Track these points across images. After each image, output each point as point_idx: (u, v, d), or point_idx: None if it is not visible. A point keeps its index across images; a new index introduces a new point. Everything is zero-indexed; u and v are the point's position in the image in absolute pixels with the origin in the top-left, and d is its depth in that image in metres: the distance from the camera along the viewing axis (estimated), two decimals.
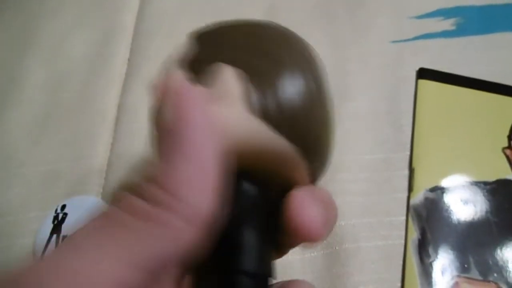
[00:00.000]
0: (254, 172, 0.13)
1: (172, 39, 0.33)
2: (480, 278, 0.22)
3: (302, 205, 0.13)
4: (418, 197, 0.25)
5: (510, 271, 0.22)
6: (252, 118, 0.12)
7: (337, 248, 0.23)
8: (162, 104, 0.12)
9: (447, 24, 0.33)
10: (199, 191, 0.11)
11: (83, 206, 0.25)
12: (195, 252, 0.11)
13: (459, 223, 0.24)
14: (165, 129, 0.11)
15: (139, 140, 0.27)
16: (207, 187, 0.11)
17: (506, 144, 0.26)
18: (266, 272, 0.13)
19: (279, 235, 0.14)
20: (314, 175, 0.15)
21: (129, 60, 0.32)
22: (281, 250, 0.15)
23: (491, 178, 0.25)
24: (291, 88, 0.13)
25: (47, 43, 0.33)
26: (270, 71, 0.13)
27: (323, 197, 0.14)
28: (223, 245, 0.13)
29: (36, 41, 0.33)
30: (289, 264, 0.23)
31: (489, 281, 0.22)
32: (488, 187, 0.25)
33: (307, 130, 0.14)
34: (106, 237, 0.10)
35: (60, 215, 0.24)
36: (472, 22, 0.33)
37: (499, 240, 0.23)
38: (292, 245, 0.15)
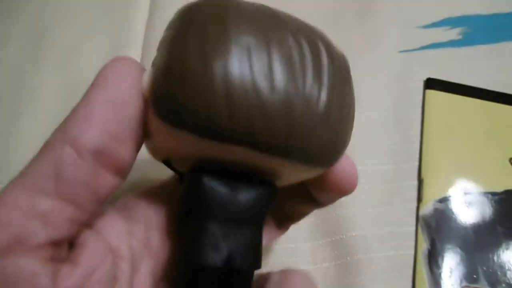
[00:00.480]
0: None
1: None
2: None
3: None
4: (427, 207, 0.25)
5: None
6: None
7: (348, 259, 0.24)
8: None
9: (454, 34, 0.33)
10: (77, 119, 0.13)
11: None
12: (93, 182, 0.13)
13: (467, 233, 0.24)
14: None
15: None
16: (85, 118, 0.13)
17: None
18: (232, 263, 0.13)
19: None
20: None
21: None
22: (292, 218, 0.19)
23: (499, 188, 0.26)
24: None
25: (60, 53, 0.33)
26: None
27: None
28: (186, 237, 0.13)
29: (50, 51, 0.33)
30: None
31: None
32: (496, 197, 0.26)
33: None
34: (16, 178, 0.13)
35: None
36: (479, 31, 0.33)
37: (507, 250, 0.24)
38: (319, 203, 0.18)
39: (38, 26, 0.35)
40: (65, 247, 0.13)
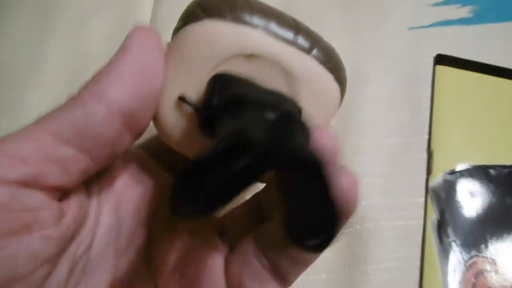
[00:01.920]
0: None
1: None
2: (498, 257, 0.23)
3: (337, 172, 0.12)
4: (437, 179, 0.25)
5: None
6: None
7: (358, 227, 0.24)
8: None
9: (464, 12, 0.33)
10: (111, 78, 0.13)
11: None
12: (113, 140, 0.13)
13: (477, 205, 0.24)
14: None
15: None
16: (119, 78, 0.13)
17: None
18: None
19: None
20: None
21: None
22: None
23: (508, 161, 0.26)
24: None
25: (67, 25, 0.33)
26: None
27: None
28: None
29: (57, 23, 0.33)
30: None
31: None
32: (505, 170, 0.25)
33: None
34: (37, 122, 0.13)
35: None
36: (489, 10, 0.33)
37: None
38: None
39: None
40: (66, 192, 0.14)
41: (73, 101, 0.13)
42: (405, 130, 0.28)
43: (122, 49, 0.14)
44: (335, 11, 0.33)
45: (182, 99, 0.14)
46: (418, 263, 0.23)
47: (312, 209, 0.10)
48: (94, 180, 0.15)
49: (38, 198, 0.12)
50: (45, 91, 0.30)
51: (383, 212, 0.24)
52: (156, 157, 0.18)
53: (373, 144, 0.27)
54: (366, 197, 0.25)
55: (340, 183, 0.12)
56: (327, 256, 0.23)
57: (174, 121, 0.15)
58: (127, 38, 0.14)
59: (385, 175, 0.26)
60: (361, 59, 0.31)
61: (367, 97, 0.29)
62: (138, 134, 0.14)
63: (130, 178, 0.16)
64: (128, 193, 0.16)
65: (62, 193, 0.13)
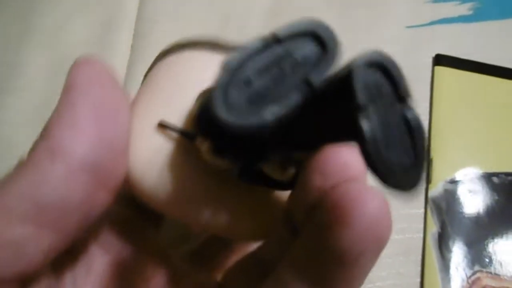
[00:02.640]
0: None
1: (177, 24, 0.31)
2: (502, 272, 0.22)
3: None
4: (436, 189, 0.24)
5: None
6: None
7: None
8: None
9: (464, 9, 0.32)
10: (66, 128, 0.10)
11: None
12: (82, 204, 0.11)
13: (479, 215, 0.23)
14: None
15: None
16: (75, 126, 0.10)
17: None
18: None
19: None
20: None
21: (132, 46, 0.31)
22: None
23: None
24: None
25: (46, 27, 0.32)
26: None
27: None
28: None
29: (36, 27, 0.32)
30: None
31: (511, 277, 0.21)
32: (509, 178, 0.24)
33: None
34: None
35: None
36: (489, 7, 0.32)
37: None
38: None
39: (25, 1, 0.33)
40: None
41: (24, 166, 0.11)
42: None
43: (68, 90, 0.11)
44: (332, 10, 0.31)
45: (162, 125, 0.12)
46: (418, 280, 0.22)
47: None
48: (64, 255, 0.12)
49: None
50: (24, 97, 0.29)
51: None
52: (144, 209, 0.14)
53: None
54: None
55: (370, 207, 0.09)
56: None
57: (154, 162, 0.12)
58: (71, 75, 0.11)
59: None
60: None
61: None
62: (115, 188, 0.11)
63: (112, 245, 0.13)
64: (109, 266, 0.13)
65: (22, 282, 0.11)
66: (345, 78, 0.08)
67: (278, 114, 0.08)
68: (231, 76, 0.08)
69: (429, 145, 0.25)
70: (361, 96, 0.08)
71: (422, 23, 0.31)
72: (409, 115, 0.08)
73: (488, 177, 0.24)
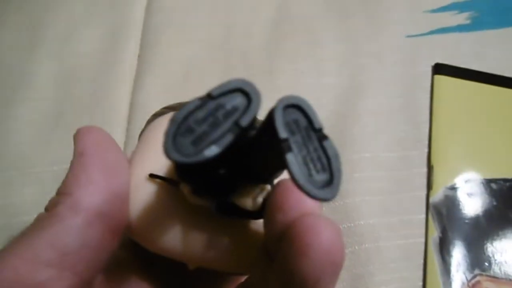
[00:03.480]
0: None
1: (183, 34, 0.32)
2: (501, 276, 0.22)
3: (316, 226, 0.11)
4: (437, 195, 0.25)
5: None
6: None
7: (356, 247, 0.23)
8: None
9: (462, 18, 0.32)
10: (82, 186, 0.13)
11: None
12: (97, 248, 0.13)
13: (479, 220, 0.24)
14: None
15: None
16: (93, 185, 0.13)
17: None
18: None
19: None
20: None
21: (139, 56, 0.32)
22: None
23: (510, 175, 0.25)
24: None
25: (55, 38, 0.32)
26: None
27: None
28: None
29: (45, 37, 0.32)
30: None
31: (510, 279, 0.22)
32: (507, 184, 0.25)
33: None
34: (13, 244, 0.12)
35: None
36: (487, 16, 0.32)
37: None
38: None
39: (34, 11, 0.34)
40: None
41: (48, 219, 0.12)
42: (404, 144, 0.27)
43: (80, 155, 0.14)
44: (331, 20, 0.32)
45: (153, 176, 0.14)
46: (420, 284, 0.23)
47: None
48: None
49: None
50: (33, 107, 0.30)
51: (383, 231, 0.24)
52: (140, 255, 0.17)
53: (371, 159, 0.26)
54: (364, 216, 0.24)
55: (323, 237, 0.11)
56: None
57: (147, 206, 0.14)
58: (81, 142, 0.14)
59: (384, 192, 0.25)
60: (359, 69, 0.30)
61: (365, 109, 0.28)
62: (120, 234, 0.14)
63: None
64: None
65: None
66: (269, 119, 0.10)
67: (217, 151, 0.10)
68: (177, 127, 0.10)
69: (429, 153, 0.26)
70: (282, 131, 0.10)
71: (421, 32, 0.31)
72: (325, 142, 0.11)
73: (487, 183, 0.25)
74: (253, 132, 0.11)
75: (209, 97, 0.11)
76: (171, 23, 0.33)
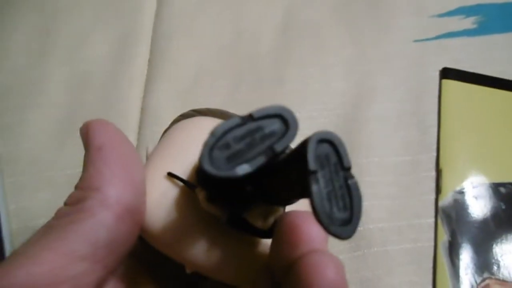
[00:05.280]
0: None
1: (192, 40, 0.33)
2: (510, 279, 0.23)
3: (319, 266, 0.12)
4: (447, 198, 0.25)
5: None
6: None
7: (365, 251, 0.24)
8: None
9: (468, 23, 0.33)
10: (108, 181, 0.13)
11: None
12: (124, 241, 0.13)
13: (488, 224, 0.24)
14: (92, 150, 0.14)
15: None
16: (118, 179, 0.13)
17: None
18: None
19: None
20: None
21: (149, 61, 0.32)
22: None
23: None
24: None
25: (65, 45, 0.33)
26: None
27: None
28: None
29: (55, 43, 0.33)
30: None
31: None
32: None
33: None
34: (43, 239, 0.12)
35: None
36: (493, 20, 0.33)
37: None
38: None
39: (43, 17, 0.34)
40: None
41: (78, 214, 0.13)
42: (413, 148, 0.27)
43: (100, 148, 0.14)
44: (338, 25, 0.32)
45: (171, 175, 0.14)
46: (430, 287, 0.23)
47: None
48: None
49: None
50: (45, 112, 0.30)
51: (392, 235, 0.24)
52: (144, 264, 0.17)
53: (380, 164, 0.26)
54: (373, 220, 0.24)
55: (328, 277, 0.12)
56: None
57: (161, 203, 0.14)
58: (97, 134, 0.14)
59: (393, 196, 0.25)
60: (366, 74, 0.30)
61: (373, 114, 0.29)
62: (140, 226, 0.14)
63: None
64: None
65: None
66: (301, 149, 0.11)
67: (247, 170, 0.11)
68: (216, 140, 0.11)
69: (438, 157, 0.26)
70: (312, 163, 0.10)
71: (428, 37, 0.32)
72: (350, 182, 0.11)
73: (495, 187, 0.25)
74: (282, 156, 0.12)
75: (251, 117, 0.11)
76: (180, 29, 0.33)
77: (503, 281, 0.22)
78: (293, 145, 0.12)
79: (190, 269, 0.15)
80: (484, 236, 0.24)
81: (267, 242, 0.14)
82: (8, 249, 0.24)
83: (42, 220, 0.26)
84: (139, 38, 0.33)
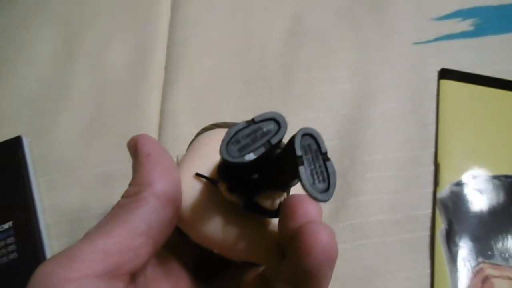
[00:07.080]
0: None
1: (204, 47, 0.35)
2: (503, 263, 0.25)
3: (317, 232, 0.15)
4: (444, 191, 0.27)
5: None
6: None
7: (366, 241, 0.26)
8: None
9: (466, 25, 0.34)
10: (157, 179, 0.17)
11: None
12: (168, 223, 0.17)
13: (482, 213, 0.26)
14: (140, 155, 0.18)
15: (183, 144, 0.30)
16: (163, 177, 0.17)
17: None
18: None
19: None
20: None
21: (166, 67, 0.34)
22: None
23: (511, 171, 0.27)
24: None
25: (88, 52, 0.35)
26: None
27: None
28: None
29: (78, 51, 0.35)
30: None
31: (511, 266, 0.24)
32: (509, 180, 0.27)
33: None
34: (113, 221, 0.16)
35: None
36: (490, 22, 0.34)
37: None
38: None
39: (66, 27, 0.36)
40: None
41: (136, 202, 0.17)
42: (413, 144, 0.29)
43: (148, 154, 0.18)
44: (342, 30, 0.34)
45: (198, 175, 0.18)
46: (428, 271, 0.25)
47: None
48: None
49: (119, 286, 0.16)
50: (74, 116, 0.32)
51: (391, 226, 0.26)
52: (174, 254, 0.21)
53: (382, 160, 0.28)
54: (374, 213, 0.26)
55: (322, 240, 0.15)
56: (339, 267, 0.25)
57: (192, 198, 0.18)
58: (145, 144, 0.18)
59: (394, 190, 0.27)
60: (369, 76, 0.32)
61: (376, 113, 0.31)
62: (178, 213, 0.18)
63: (159, 272, 0.19)
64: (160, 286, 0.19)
65: (132, 276, 0.17)
66: (291, 141, 0.15)
67: (253, 157, 0.15)
68: (230, 138, 0.15)
69: (436, 152, 0.29)
70: (298, 150, 0.14)
71: (427, 39, 0.34)
72: (327, 162, 0.15)
73: (490, 180, 0.27)
74: (279, 150, 0.16)
75: (253, 121, 0.15)
76: (193, 36, 0.35)
77: (496, 265, 0.24)
78: (285, 140, 0.15)
79: (217, 251, 0.18)
80: (480, 224, 0.26)
81: (276, 223, 0.17)
82: (45, 240, 0.27)
83: (74, 214, 0.28)
84: (155, 45, 0.35)
